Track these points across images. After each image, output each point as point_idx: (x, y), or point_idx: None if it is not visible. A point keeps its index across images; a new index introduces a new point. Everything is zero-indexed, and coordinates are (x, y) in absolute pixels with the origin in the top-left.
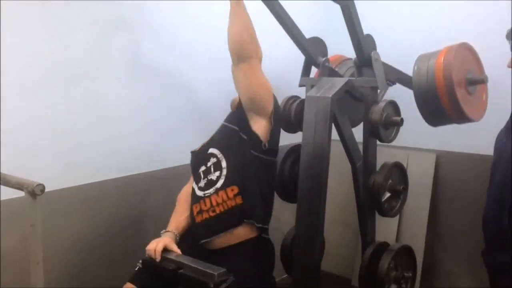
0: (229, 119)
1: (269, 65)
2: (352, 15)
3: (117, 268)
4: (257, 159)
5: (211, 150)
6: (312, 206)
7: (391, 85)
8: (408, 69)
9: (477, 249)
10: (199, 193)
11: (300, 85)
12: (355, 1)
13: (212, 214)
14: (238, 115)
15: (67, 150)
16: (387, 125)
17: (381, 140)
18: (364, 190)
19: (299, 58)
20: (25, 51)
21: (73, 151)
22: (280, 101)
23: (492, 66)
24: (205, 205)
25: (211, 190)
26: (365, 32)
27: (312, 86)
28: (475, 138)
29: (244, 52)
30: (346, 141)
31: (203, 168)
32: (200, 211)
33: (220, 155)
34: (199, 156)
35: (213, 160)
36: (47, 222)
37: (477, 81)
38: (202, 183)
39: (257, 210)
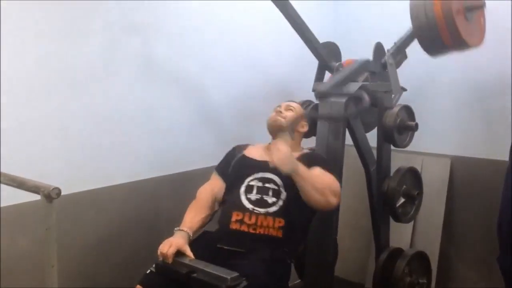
0: (300, 158)
1: (282, 69)
2: None
3: (129, 271)
4: (312, 213)
5: (271, 176)
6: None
7: (405, 90)
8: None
9: (492, 254)
10: (247, 204)
11: (314, 90)
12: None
13: (252, 231)
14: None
15: (79, 154)
16: (401, 130)
17: (395, 145)
18: (378, 194)
19: (313, 62)
20: (37, 54)
21: (85, 156)
22: None
23: None
24: (250, 219)
25: (262, 210)
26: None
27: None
28: (490, 143)
29: (325, 209)
30: (360, 146)
31: (258, 183)
32: (241, 221)
33: (282, 187)
34: (254, 167)
35: (272, 186)
36: (60, 226)
37: (475, 7)
38: (253, 197)
39: (293, 248)
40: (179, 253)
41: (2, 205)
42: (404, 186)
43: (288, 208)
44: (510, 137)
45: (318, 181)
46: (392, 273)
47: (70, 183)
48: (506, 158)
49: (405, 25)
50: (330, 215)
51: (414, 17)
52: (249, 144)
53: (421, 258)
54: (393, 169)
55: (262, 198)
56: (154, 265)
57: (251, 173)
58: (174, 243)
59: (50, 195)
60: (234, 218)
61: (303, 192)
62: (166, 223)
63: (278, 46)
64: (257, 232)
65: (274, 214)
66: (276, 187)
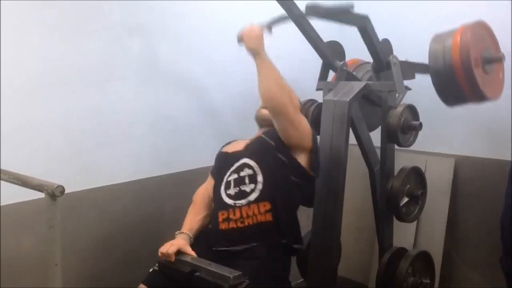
0: (268, 134)
1: (286, 68)
2: (369, 33)
3: (132, 270)
4: (296, 185)
5: (246, 161)
6: (328, 210)
7: (409, 89)
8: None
9: (496, 254)
10: (228, 201)
11: (318, 89)
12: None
13: (240, 225)
14: (277, 135)
15: (82, 153)
16: (405, 129)
17: (399, 145)
18: (381, 194)
19: (316, 61)
20: (40, 54)
21: (88, 155)
22: None
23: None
24: (234, 215)
25: (243, 201)
26: (382, 33)
27: (329, 90)
28: (494, 143)
29: (278, 106)
30: (364, 145)
31: (234, 176)
32: (227, 219)
33: (256, 168)
34: (229, 161)
35: (248, 171)
36: (63, 224)
37: (494, 60)
38: (232, 191)
39: (288, 230)
40: (180, 253)
41: (6, 203)
42: (408, 186)
43: (269, 190)
44: None
45: (283, 82)
46: (396, 273)
47: (73, 182)
48: (510, 157)
49: (410, 24)
50: (333, 215)
51: (432, 60)
52: (235, 140)
53: (425, 258)
54: (397, 169)
55: (240, 189)
56: (157, 264)
57: (228, 168)
58: (175, 243)
59: (54, 193)
60: (220, 218)
61: (261, 80)
62: (168, 222)
63: (281, 45)
64: (246, 224)
65: (257, 200)
66: (251, 172)
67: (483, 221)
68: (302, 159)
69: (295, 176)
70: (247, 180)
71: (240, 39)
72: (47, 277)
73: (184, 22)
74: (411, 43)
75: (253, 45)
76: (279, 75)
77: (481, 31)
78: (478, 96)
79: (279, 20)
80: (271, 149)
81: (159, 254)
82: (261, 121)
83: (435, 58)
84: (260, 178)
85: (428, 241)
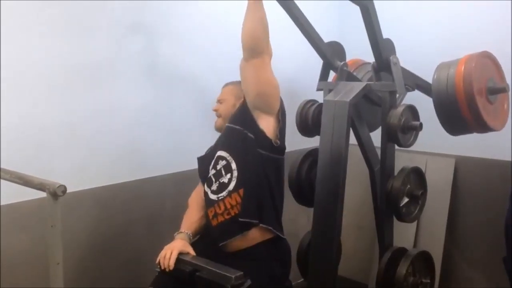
0: (232, 120)
1: (287, 68)
2: (371, 16)
3: (134, 269)
4: (265, 158)
5: (219, 153)
6: (329, 210)
7: (410, 90)
8: (426, 75)
9: (496, 254)
10: (213, 196)
11: (318, 89)
12: (374, 2)
13: (227, 216)
14: (243, 115)
15: (84, 152)
16: (405, 129)
17: (399, 145)
18: (382, 194)
19: (317, 62)
20: (41, 53)
21: (91, 154)
22: (297, 105)
23: None
24: (220, 208)
25: (224, 193)
26: (384, 35)
27: (330, 91)
28: (494, 144)
29: (258, 47)
30: (364, 146)
31: (213, 171)
32: (215, 215)
33: (229, 157)
34: (206, 161)
35: (222, 162)
36: (64, 224)
37: (498, 90)
38: (214, 187)
39: (264, 211)
40: (182, 253)
41: (6, 203)
42: (408, 186)
43: (244, 174)
44: None
45: (267, 27)
46: (395, 272)
47: (75, 181)
48: (510, 158)
49: (411, 26)
50: (333, 216)
51: (435, 89)
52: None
53: (425, 258)
54: (397, 169)
55: (220, 182)
56: (158, 266)
57: (208, 166)
58: (175, 247)
59: (56, 193)
60: (210, 216)
61: (247, 19)
62: (170, 221)
63: (282, 45)
64: (233, 214)
65: (236, 188)
66: (225, 162)
67: (483, 221)
68: (269, 126)
69: (263, 149)
70: (223, 172)
71: None
72: (48, 276)
73: (187, 21)
74: (410, 44)
75: None
76: (266, 20)
77: (486, 61)
78: (481, 125)
79: None
80: (239, 133)
81: (157, 261)
82: (221, 130)
83: (439, 84)
84: (233, 165)
85: (429, 240)
